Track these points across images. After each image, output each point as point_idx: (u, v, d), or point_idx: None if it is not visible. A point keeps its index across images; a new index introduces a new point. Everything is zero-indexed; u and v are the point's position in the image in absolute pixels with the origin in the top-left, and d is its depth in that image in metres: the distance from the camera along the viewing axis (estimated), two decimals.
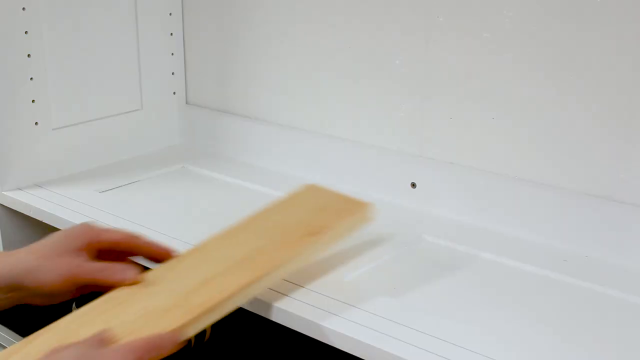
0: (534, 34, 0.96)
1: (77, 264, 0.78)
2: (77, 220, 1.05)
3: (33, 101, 1.16)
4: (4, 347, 1.17)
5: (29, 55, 1.15)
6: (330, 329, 0.77)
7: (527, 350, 0.74)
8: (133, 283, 0.78)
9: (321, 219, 0.87)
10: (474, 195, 1.04)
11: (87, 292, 0.81)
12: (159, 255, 0.84)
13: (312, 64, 1.20)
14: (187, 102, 1.40)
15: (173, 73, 1.37)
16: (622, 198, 0.93)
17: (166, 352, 0.68)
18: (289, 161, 1.24)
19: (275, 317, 0.81)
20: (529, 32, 0.96)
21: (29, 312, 0.86)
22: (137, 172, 1.25)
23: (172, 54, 1.36)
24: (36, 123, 1.17)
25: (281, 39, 1.23)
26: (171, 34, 1.34)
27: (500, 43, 0.99)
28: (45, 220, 1.10)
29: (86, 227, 0.82)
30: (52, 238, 0.81)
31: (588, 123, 0.94)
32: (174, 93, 1.38)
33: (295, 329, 0.80)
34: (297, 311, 0.80)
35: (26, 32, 1.13)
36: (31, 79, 1.15)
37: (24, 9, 1.12)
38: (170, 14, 1.33)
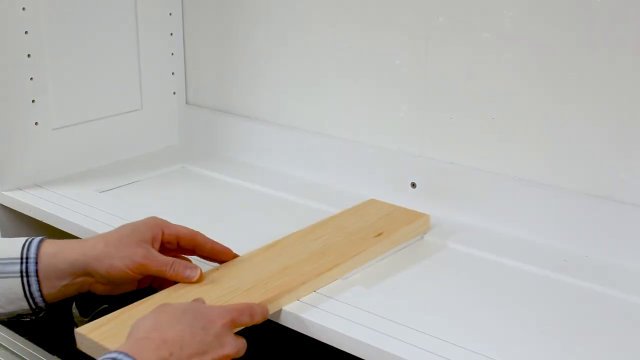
0: (534, 34, 0.96)
1: (147, 255, 0.82)
2: (77, 220, 1.05)
3: (33, 101, 1.16)
4: (4, 347, 1.17)
5: (29, 55, 1.15)
6: (330, 328, 0.77)
7: (527, 350, 0.74)
8: (197, 281, 0.83)
9: (384, 224, 0.98)
10: (474, 195, 1.04)
11: (146, 285, 0.86)
12: (221, 255, 0.89)
13: (312, 64, 1.20)
14: (187, 102, 1.40)
15: (173, 73, 1.37)
16: (622, 198, 0.93)
17: (256, 321, 0.76)
18: (289, 161, 1.24)
19: (276, 318, 0.81)
20: (529, 32, 0.96)
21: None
22: (137, 172, 1.25)
23: (172, 54, 1.35)
24: (36, 123, 1.17)
25: (281, 39, 1.23)
26: (171, 34, 1.34)
27: (500, 43, 0.99)
28: (45, 220, 1.10)
29: (153, 221, 0.86)
30: (121, 229, 0.85)
31: (588, 123, 0.94)
32: (174, 93, 1.38)
33: (296, 329, 0.80)
34: (297, 311, 0.80)
35: (26, 32, 1.13)
36: (31, 79, 1.15)
37: (24, 9, 1.12)
38: (170, 14, 1.33)
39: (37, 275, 0.81)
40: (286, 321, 0.81)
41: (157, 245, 0.84)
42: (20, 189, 1.16)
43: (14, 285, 0.80)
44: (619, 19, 0.89)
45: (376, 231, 0.96)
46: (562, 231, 0.97)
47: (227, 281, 0.84)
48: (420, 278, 0.90)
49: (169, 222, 0.87)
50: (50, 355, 1.10)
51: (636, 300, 0.84)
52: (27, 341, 1.12)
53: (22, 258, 0.81)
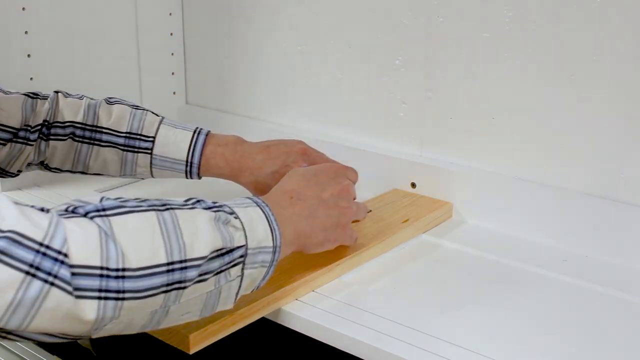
0: (534, 33, 0.96)
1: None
2: None
3: None
4: (4, 347, 1.17)
5: (29, 55, 1.15)
6: (330, 329, 0.77)
7: (527, 350, 0.74)
8: None
9: (410, 211, 1.03)
10: (474, 195, 1.04)
11: None
12: None
13: (312, 64, 1.20)
14: (187, 102, 1.40)
15: (173, 73, 1.37)
16: (622, 198, 0.93)
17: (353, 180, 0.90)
18: None
19: (276, 318, 0.81)
20: (529, 32, 0.96)
21: None
22: None
23: (172, 54, 1.36)
24: None
25: (281, 39, 1.23)
26: (171, 34, 1.34)
27: (500, 43, 0.99)
28: None
29: (303, 150, 0.99)
30: (279, 155, 0.98)
31: (588, 123, 0.94)
32: (174, 93, 1.38)
33: (296, 329, 0.80)
34: (297, 312, 0.80)
35: (26, 32, 1.14)
36: (31, 79, 1.15)
37: (24, 9, 1.13)
38: (170, 14, 1.33)
39: (198, 173, 1.01)
40: (285, 322, 0.81)
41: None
42: (20, 189, 1.16)
43: (180, 176, 1.02)
44: (620, 19, 0.89)
45: (403, 218, 1.00)
46: (562, 231, 0.97)
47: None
48: (420, 278, 0.90)
49: (312, 151, 0.99)
50: (50, 355, 1.10)
51: (636, 300, 0.84)
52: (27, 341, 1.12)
53: (187, 162, 1.00)
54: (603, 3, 0.90)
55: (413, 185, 1.10)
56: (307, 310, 0.80)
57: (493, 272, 0.92)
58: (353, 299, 0.83)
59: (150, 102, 1.33)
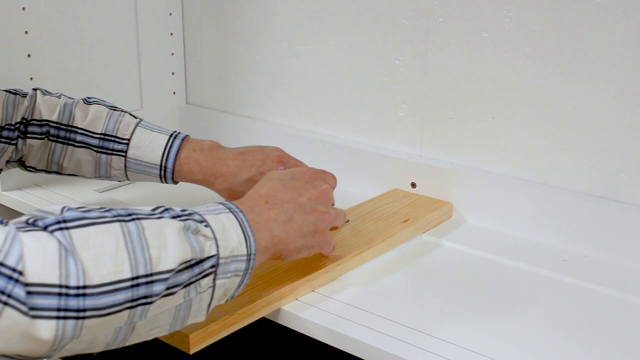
0: (534, 33, 0.96)
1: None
2: None
3: None
4: None
5: (29, 55, 1.15)
6: (330, 329, 0.77)
7: (527, 350, 0.74)
8: None
9: (410, 212, 1.03)
10: (474, 195, 1.04)
11: None
12: None
13: (312, 64, 1.20)
14: (187, 102, 1.40)
15: (173, 73, 1.37)
16: (622, 198, 0.93)
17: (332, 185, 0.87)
18: None
19: (276, 318, 0.81)
20: (529, 32, 0.96)
21: None
22: None
23: (172, 54, 1.36)
24: None
25: (281, 39, 1.23)
26: (171, 34, 1.34)
27: (500, 43, 0.99)
28: None
29: (279, 157, 0.96)
30: (255, 164, 0.95)
31: (588, 123, 0.94)
32: (174, 93, 1.38)
33: (296, 329, 0.80)
34: (297, 312, 0.80)
35: (26, 32, 1.13)
36: (31, 79, 1.15)
37: (24, 9, 1.13)
38: (170, 14, 1.33)
39: (173, 178, 0.98)
40: (285, 322, 0.81)
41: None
42: (20, 189, 1.16)
43: (155, 180, 0.99)
44: (620, 19, 0.89)
45: (403, 218, 1.00)
46: (562, 231, 0.97)
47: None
48: (420, 278, 0.90)
49: (288, 159, 0.97)
50: None
51: (636, 300, 0.84)
52: None
53: (161, 166, 0.97)
54: (603, 3, 0.90)
55: (413, 185, 1.10)
56: (307, 310, 0.80)
57: (493, 272, 0.92)
58: (353, 299, 0.83)
59: (150, 102, 1.33)
